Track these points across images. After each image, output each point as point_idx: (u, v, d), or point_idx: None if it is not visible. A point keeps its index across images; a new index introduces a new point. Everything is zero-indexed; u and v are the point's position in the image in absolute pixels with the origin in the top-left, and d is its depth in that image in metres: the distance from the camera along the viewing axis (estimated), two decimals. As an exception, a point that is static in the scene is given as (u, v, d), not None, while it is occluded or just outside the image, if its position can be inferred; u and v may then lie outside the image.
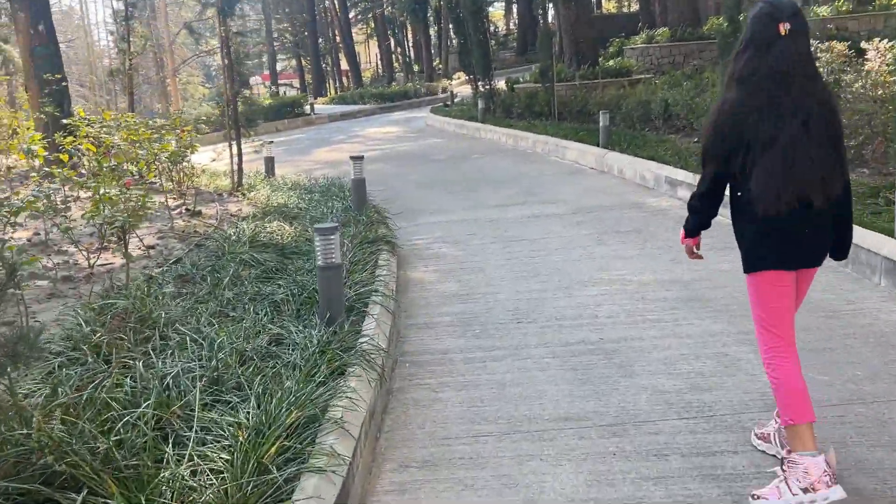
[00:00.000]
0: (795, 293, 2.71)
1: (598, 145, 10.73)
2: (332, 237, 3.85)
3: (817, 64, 4.07)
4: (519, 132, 14.03)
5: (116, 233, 4.69)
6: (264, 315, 3.93)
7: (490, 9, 44.09)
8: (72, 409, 2.70)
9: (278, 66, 67.69)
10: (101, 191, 4.50)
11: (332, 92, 56.06)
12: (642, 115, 12.45)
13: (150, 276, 4.73)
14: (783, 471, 2.61)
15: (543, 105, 15.57)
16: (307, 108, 24.29)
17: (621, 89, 15.50)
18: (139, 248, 5.72)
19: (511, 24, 57.03)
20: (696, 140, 9.96)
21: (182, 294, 4.34)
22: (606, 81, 16.12)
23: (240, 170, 8.00)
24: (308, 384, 2.99)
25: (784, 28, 2.47)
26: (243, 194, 7.87)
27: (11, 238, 4.72)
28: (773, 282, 2.63)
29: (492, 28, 36.83)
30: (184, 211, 7.34)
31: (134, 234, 5.84)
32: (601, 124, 10.70)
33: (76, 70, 41.22)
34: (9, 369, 2.35)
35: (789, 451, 2.62)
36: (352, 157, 6.98)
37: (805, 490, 2.49)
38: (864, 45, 8.56)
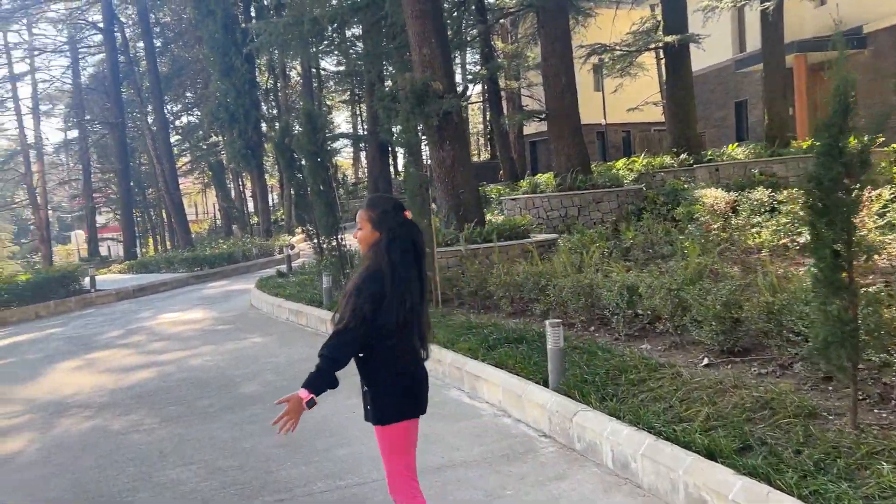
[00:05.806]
0: None
1: (545, 383, 5.68)
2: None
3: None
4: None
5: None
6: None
7: (337, 157, 40.19)
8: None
9: (103, 220, 59.84)
10: None
11: (165, 244, 48.78)
12: (585, 306, 7.73)
13: None
14: None
15: (419, 283, 10.58)
16: (86, 281, 17.58)
17: (528, 256, 10.92)
18: None
19: (360, 173, 53.54)
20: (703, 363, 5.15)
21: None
22: (503, 245, 11.50)
23: None
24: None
25: None
26: None
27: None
28: None
29: (340, 175, 32.71)
30: None
31: None
32: (550, 345, 5.65)
33: None
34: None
35: None
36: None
37: None
38: None
